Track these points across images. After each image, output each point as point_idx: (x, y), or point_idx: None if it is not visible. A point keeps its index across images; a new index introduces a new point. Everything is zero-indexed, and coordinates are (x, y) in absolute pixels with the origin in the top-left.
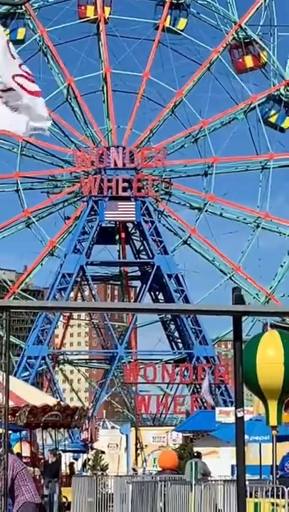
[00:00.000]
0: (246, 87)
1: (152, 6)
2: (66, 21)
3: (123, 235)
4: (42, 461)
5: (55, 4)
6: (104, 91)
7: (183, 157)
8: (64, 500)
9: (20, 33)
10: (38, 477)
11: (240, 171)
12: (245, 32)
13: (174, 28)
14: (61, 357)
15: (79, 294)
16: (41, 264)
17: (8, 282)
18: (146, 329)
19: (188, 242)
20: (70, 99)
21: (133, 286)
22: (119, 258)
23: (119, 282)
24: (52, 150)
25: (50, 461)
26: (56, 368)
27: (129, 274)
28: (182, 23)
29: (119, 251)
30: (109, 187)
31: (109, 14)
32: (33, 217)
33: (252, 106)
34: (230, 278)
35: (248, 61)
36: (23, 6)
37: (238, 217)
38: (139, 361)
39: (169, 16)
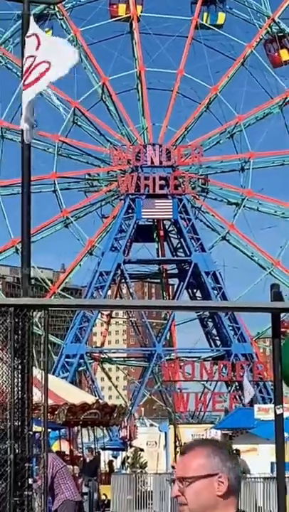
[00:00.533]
0: (281, 81)
1: (183, 3)
2: (99, 21)
3: (161, 232)
4: (81, 459)
5: (87, 4)
6: (139, 89)
7: (219, 153)
8: (103, 497)
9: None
10: (77, 475)
11: (276, 165)
12: (279, 26)
13: (211, 24)
14: (101, 355)
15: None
16: (80, 265)
17: (47, 281)
18: (185, 327)
19: (226, 238)
20: (105, 98)
21: (171, 284)
22: (157, 256)
23: (157, 280)
24: (88, 149)
25: (88, 460)
26: (95, 366)
27: (167, 272)
28: (222, 17)
29: (157, 249)
30: (146, 185)
31: (141, 12)
32: (71, 217)
33: (287, 100)
34: (269, 273)
35: (284, 55)
36: (55, 7)
37: (276, 212)
38: (178, 359)
39: (206, 13)
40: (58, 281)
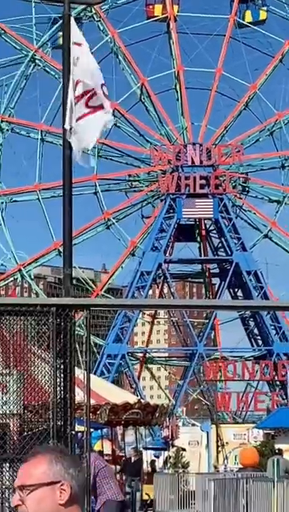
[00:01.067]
0: None
1: (220, 2)
2: (135, 22)
3: (203, 232)
4: (123, 458)
5: (123, 5)
6: (178, 89)
7: (259, 151)
8: (146, 497)
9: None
10: (119, 475)
11: None
12: None
13: (253, 21)
14: (140, 354)
15: (157, 292)
16: (122, 267)
17: (88, 281)
18: (228, 326)
19: (269, 236)
20: (144, 98)
21: (213, 284)
22: (200, 255)
23: (198, 280)
24: (128, 150)
25: (132, 459)
26: (136, 366)
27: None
28: (263, 13)
29: (199, 248)
30: (186, 184)
31: (178, 12)
32: (113, 218)
33: None
34: None
35: None
36: (92, 9)
37: None
38: (223, 358)
39: (247, 10)
40: (101, 282)
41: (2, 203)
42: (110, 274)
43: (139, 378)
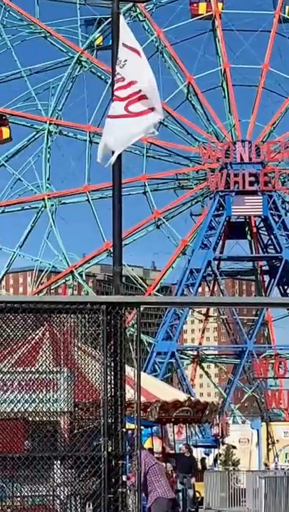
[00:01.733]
0: None
1: None
2: (180, 20)
3: (254, 229)
4: (174, 456)
5: (168, 4)
6: (224, 86)
7: None
8: (197, 495)
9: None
10: (170, 472)
11: None
12: None
13: None
14: (190, 352)
15: (207, 289)
16: (172, 267)
17: (138, 278)
18: (280, 323)
19: None
20: (191, 97)
21: (264, 281)
22: (251, 252)
23: (248, 277)
24: (176, 149)
25: (185, 455)
26: (186, 364)
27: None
28: None
29: (250, 245)
30: (235, 182)
31: (222, 9)
32: (163, 217)
33: None
34: None
35: None
36: (137, 9)
37: None
38: (268, 356)
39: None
40: (151, 280)
41: (52, 205)
42: (162, 274)
43: (194, 377)
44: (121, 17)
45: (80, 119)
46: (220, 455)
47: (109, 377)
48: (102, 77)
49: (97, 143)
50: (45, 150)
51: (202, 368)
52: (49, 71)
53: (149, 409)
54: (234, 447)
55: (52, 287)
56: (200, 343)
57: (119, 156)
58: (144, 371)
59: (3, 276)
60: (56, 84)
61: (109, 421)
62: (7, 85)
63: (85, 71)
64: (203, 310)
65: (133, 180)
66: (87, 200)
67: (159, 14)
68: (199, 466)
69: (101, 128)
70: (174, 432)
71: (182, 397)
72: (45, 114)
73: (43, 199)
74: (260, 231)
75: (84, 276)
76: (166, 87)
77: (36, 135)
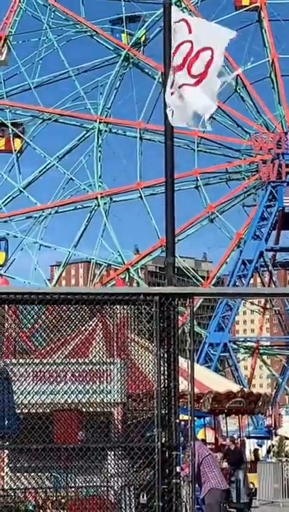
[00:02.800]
0: None
1: None
2: (225, 13)
3: None
4: (226, 447)
5: None
6: (273, 77)
7: None
8: (251, 486)
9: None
10: (223, 463)
11: None
12: None
13: None
14: (242, 343)
15: (259, 280)
16: (226, 263)
17: (190, 269)
18: None
19: None
20: (239, 89)
21: None
22: None
23: None
24: (227, 142)
25: (231, 448)
26: (238, 355)
27: None
28: None
29: None
30: (287, 172)
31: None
32: (216, 211)
33: None
34: None
35: None
36: (182, 3)
37: None
38: None
39: None
40: (209, 275)
41: (105, 203)
42: (218, 267)
43: (254, 369)
44: (173, 7)
45: (129, 117)
46: (273, 446)
47: (162, 369)
48: (150, 73)
49: (148, 139)
50: (96, 149)
51: (262, 359)
52: (96, 69)
53: (201, 400)
54: (287, 438)
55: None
56: (259, 334)
57: (172, 151)
58: (197, 362)
59: (58, 278)
60: (104, 83)
61: (163, 412)
62: (55, 86)
63: (132, 68)
64: (261, 302)
65: (185, 175)
66: (140, 196)
67: (204, 8)
68: (252, 457)
69: (151, 124)
70: (226, 422)
71: (235, 388)
72: (95, 112)
73: (96, 198)
74: None
75: (140, 273)
76: None
77: (86, 134)
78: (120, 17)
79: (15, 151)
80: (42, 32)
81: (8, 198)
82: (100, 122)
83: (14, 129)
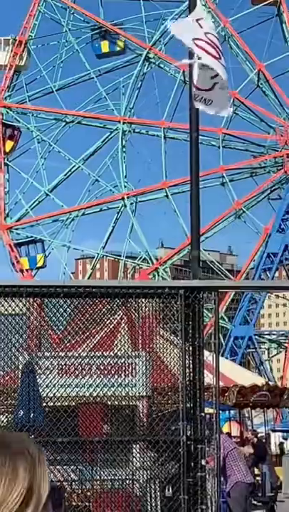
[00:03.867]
0: None
1: None
2: (244, 9)
3: None
4: (251, 441)
5: None
6: None
7: None
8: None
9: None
10: (248, 457)
11: None
12: None
13: None
14: (267, 336)
15: (284, 273)
16: (253, 260)
17: (215, 262)
18: None
19: None
20: (261, 84)
21: None
22: None
23: None
24: (251, 138)
25: (254, 442)
26: (263, 348)
27: None
28: None
29: None
30: None
31: None
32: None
33: None
34: None
35: None
36: (201, 1)
37: None
38: None
39: None
40: (240, 272)
41: (132, 203)
42: (248, 262)
43: (286, 362)
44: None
45: (152, 116)
46: None
47: (187, 362)
48: (172, 71)
49: (172, 138)
50: (120, 149)
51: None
52: (117, 70)
53: (226, 394)
54: None
55: None
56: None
57: (197, 143)
58: (222, 356)
59: (89, 276)
60: (126, 83)
61: (188, 405)
62: (77, 88)
63: (153, 67)
64: (287, 295)
65: (211, 172)
66: (166, 195)
67: (222, 4)
68: (278, 450)
69: (175, 122)
70: (251, 416)
71: (260, 381)
72: (118, 113)
73: (123, 198)
74: None
75: (168, 272)
76: (235, 76)
77: (110, 135)
78: (100, 26)
79: (5, 152)
80: (62, 35)
81: (35, 201)
82: (123, 123)
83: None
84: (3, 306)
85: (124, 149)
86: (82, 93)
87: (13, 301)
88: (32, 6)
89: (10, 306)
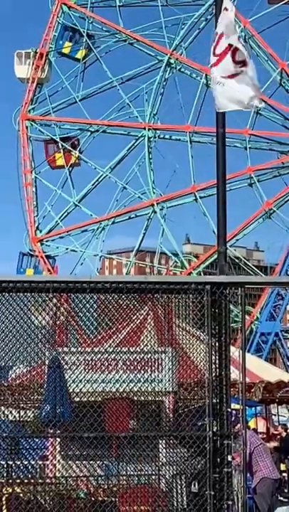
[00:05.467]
0: None
1: None
2: (262, 9)
3: None
4: (278, 436)
5: None
6: None
7: None
8: None
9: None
10: (274, 452)
11: None
12: None
13: None
14: None
15: None
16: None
17: (241, 258)
18: None
19: None
20: (284, 82)
21: None
22: None
23: None
24: (278, 137)
25: (281, 436)
26: None
27: None
28: None
29: None
30: None
31: None
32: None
33: None
34: None
35: None
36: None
37: None
38: None
39: None
40: (273, 271)
41: (161, 209)
42: (282, 262)
43: None
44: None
45: (176, 121)
46: None
47: (213, 358)
48: (194, 75)
49: (197, 141)
50: (147, 156)
51: None
52: (139, 77)
53: (252, 390)
54: None
55: None
56: None
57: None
58: (248, 352)
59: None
60: (149, 89)
61: (214, 401)
62: (100, 97)
63: (175, 72)
64: None
65: (239, 174)
66: (195, 199)
67: (240, 5)
68: None
69: (200, 126)
70: (278, 412)
71: (286, 377)
72: (142, 120)
73: (152, 205)
74: None
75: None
76: (258, 76)
77: (135, 142)
78: (79, 30)
79: (67, 165)
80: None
81: (64, 213)
82: (148, 129)
83: (64, 145)
84: (29, 301)
85: (150, 155)
86: (106, 102)
87: (40, 296)
88: (51, 18)
89: (37, 301)
